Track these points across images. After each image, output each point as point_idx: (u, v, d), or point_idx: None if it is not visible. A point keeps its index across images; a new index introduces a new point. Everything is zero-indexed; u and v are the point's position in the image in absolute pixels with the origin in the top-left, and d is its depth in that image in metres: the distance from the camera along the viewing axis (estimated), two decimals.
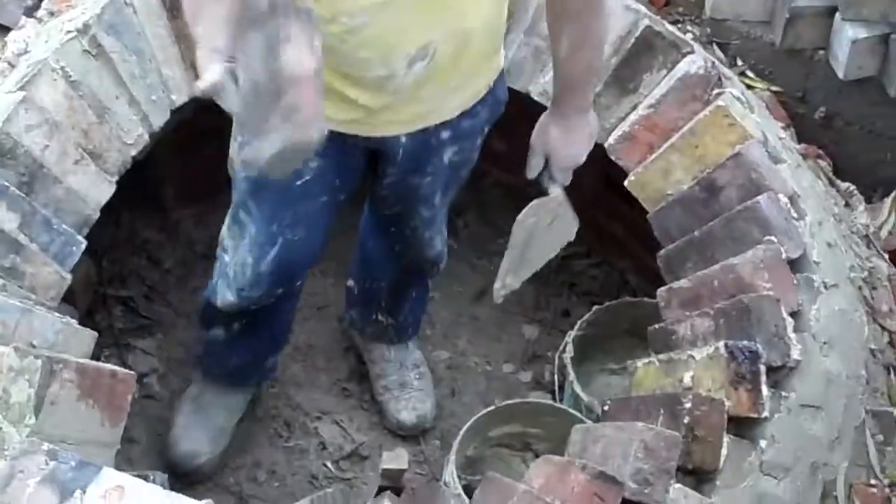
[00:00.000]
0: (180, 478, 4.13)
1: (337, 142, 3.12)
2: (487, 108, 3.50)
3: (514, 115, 3.60)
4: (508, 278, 3.54)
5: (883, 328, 3.68)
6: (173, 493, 2.35)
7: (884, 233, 3.94)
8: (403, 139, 3.38)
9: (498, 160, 4.29)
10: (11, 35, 3.95)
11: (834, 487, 3.38)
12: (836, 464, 3.40)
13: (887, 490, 3.43)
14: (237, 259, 3.74)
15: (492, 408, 3.99)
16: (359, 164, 3.47)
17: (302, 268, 3.89)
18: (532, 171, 3.51)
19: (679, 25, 4.01)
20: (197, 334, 4.27)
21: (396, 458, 3.75)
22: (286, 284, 3.82)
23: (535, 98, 3.92)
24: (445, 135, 3.42)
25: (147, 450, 4.23)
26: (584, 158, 3.46)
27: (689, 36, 3.97)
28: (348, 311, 4.48)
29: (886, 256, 3.87)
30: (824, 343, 3.46)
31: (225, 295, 3.83)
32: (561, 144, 3.44)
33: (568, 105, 3.40)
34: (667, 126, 3.77)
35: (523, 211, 3.48)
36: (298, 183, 3.29)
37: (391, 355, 4.36)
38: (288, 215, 3.46)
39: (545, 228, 3.52)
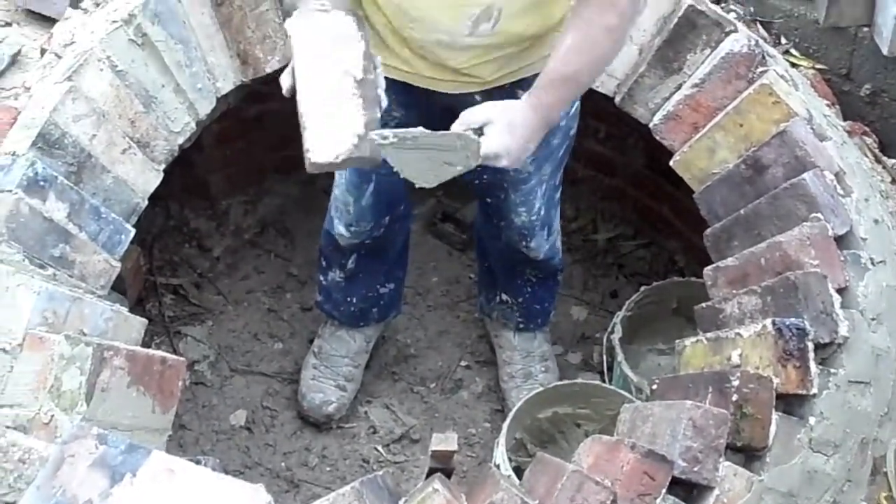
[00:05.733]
0: (311, 425, 4.34)
1: (418, 94, 3.25)
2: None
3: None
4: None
5: None
6: (224, 476, 2.38)
7: None
8: (478, 98, 3.36)
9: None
10: (58, 26, 3.99)
11: (884, 463, 3.37)
12: (885, 439, 3.39)
13: None
14: (339, 198, 3.90)
15: (540, 389, 4.02)
16: (440, 118, 3.34)
17: (400, 197, 3.98)
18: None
19: (722, 5, 4.00)
20: (317, 280, 4.34)
21: (446, 440, 3.75)
22: (390, 211, 3.93)
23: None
24: (522, 95, 3.33)
25: (193, 436, 4.28)
26: (505, 161, 3.20)
27: (732, 15, 3.96)
28: (478, 297, 4.54)
29: None
30: (872, 319, 3.45)
31: (338, 229, 3.97)
32: (503, 123, 3.17)
33: (532, 97, 3.26)
34: (711, 105, 3.76)
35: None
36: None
37: (517, 342, 4.37)
38: None
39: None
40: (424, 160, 3.12)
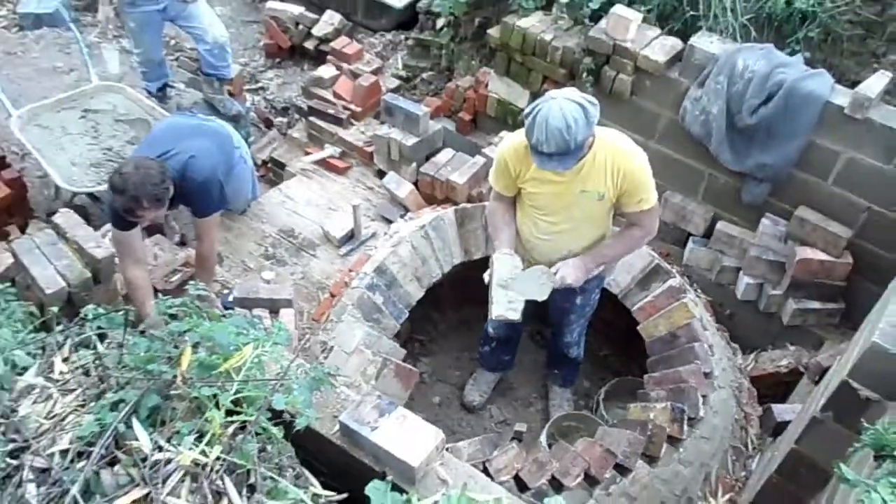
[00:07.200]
0: (466, 409, 4.21)
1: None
2: (597, 279, 3.37)
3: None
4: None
5: (742, 410, 3.56)
6: (425, 422, 2.33)
7: (748, 368, 3.84)
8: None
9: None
10: (393, 226, 4.12)
11: (710, 476, 3.32)
12: (712, 465, 3.34)
13: (734, 482, 3.36)
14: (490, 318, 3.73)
15: (564, 413, 3.98)
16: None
17: (520, 325, 3.74)
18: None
19: (670, 265, 3.95)
20: (478, 349, 4.21)
21: (521, 426, 3.80)
22: (513, 327, 3.73)
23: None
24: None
25: (416, 404, 4.18)
26: (570, 280, 3.09)
27: (674, 269, 3.93)
28: (545, 368, 4.31)
29: (748, 379, 3.76)
30: (715, 411, 3.41)
31: (489, 328, 3.85)
32: (569, 265, 3.11)
33: (584, 257, 3.14)
34: (658, 307, 3.74)
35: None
36: None
37: (558, 391, 4.17)
38: None
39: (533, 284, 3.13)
40: (530, 284, 3.05)
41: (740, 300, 4.06)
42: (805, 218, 3.81)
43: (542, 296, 3.08)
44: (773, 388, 3.81)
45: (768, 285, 3.95)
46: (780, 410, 3.51)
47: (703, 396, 3.40)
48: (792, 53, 3.84)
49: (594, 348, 4.60)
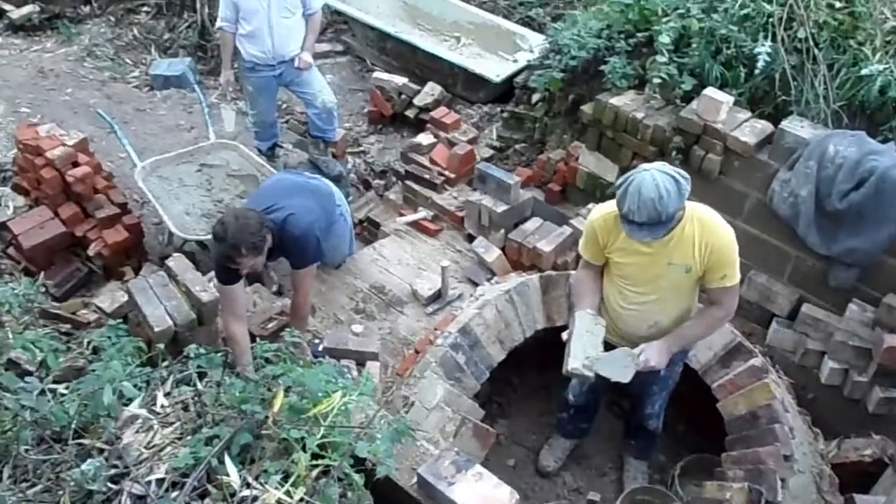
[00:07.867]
0: (540, 474, 4.11)
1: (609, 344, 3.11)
2: (682, 352, 3.30)
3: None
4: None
5: (823, 498, 3.40)
6: (500, 481, 2.32)
7: (830, 455, 3.68)
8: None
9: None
10: (479, 289, 4.11)
11: None
12: None
13: None
14: (572, 383, 3.69)
15: (638, 486, 3.86)
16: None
17: (600, 393, 3.76)
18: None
19: (753, 344, 3.83)
20: (553, 414, 4.20)
21: (594, 495, 3.72)
22: (594, 396, 3.75)
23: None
24: None
25: (491, 465, 3.97)
26: (653, 363, 3.04)
27: (757, 348, 3.83)
28: (622, 438, 4.20)
29: (829, 466, 3.59)
30: (794, 496, 3.28)
31: (568, 395, 3.79)
32: (653, 348, 3.06)
33: (667, 340, 3.10)
34: (739, 385, 3.62)
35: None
36: None
37: (633, 463, 4.07)
38: None
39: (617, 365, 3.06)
40: (614, 366, 3.02)
41: (824, 384, 3.91)
42: (894, 305, 3.68)
43: (625, 378, 3.05)
44: (856, 477, 3.62)
45: (854, 371, 3.81)
46: (863, 501, 3.34)
47: (782, 480, 3.27)
48: (884, 141, 3.77)
49: (671, 423, 4.45)
